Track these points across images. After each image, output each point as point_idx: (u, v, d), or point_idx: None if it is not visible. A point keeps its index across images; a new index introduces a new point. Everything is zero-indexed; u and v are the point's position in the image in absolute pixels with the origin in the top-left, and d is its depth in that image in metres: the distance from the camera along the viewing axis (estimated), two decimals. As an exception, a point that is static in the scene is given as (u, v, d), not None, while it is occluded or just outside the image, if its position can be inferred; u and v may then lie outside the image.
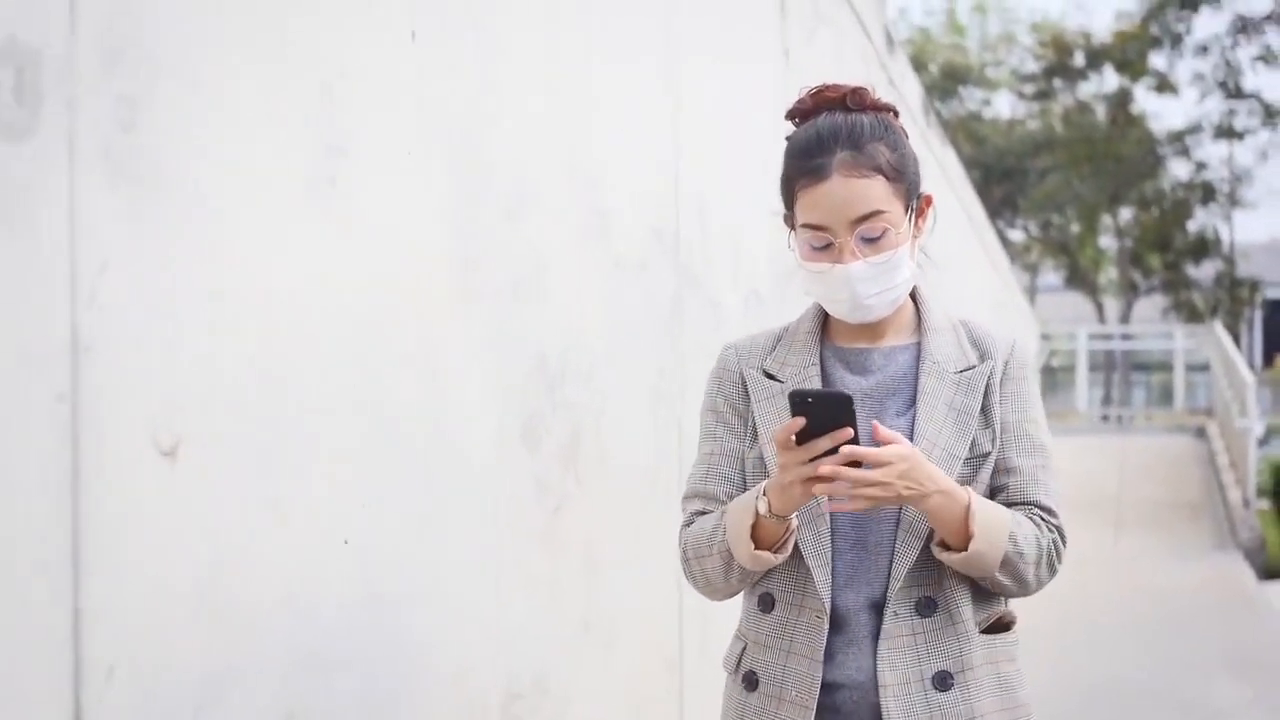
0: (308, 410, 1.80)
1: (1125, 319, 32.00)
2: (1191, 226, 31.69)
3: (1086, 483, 14.35)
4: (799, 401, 1.74)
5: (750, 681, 1.96)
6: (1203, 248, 31.33)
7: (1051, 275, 36.30)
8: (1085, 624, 8.78)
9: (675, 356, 3.19)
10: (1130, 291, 32.26)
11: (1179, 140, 31.19)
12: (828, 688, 1.90)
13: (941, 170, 8.67)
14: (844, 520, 1.90)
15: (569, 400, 2.61)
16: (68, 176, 1.38)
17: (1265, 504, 16.23)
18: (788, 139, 1.96)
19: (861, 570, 1.90)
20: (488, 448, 2.30)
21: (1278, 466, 16.74)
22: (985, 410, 1.93)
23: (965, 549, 1.82)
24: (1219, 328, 22.20)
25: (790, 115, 1.98)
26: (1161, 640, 8.54)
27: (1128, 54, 30.13)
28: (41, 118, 1.35)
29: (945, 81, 32.05)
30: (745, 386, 2.00)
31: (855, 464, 1.76)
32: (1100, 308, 33.65)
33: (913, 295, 1.99)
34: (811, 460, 1.75)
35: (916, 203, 1.94)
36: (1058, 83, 31.97)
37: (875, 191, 1.86)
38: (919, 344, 1.97)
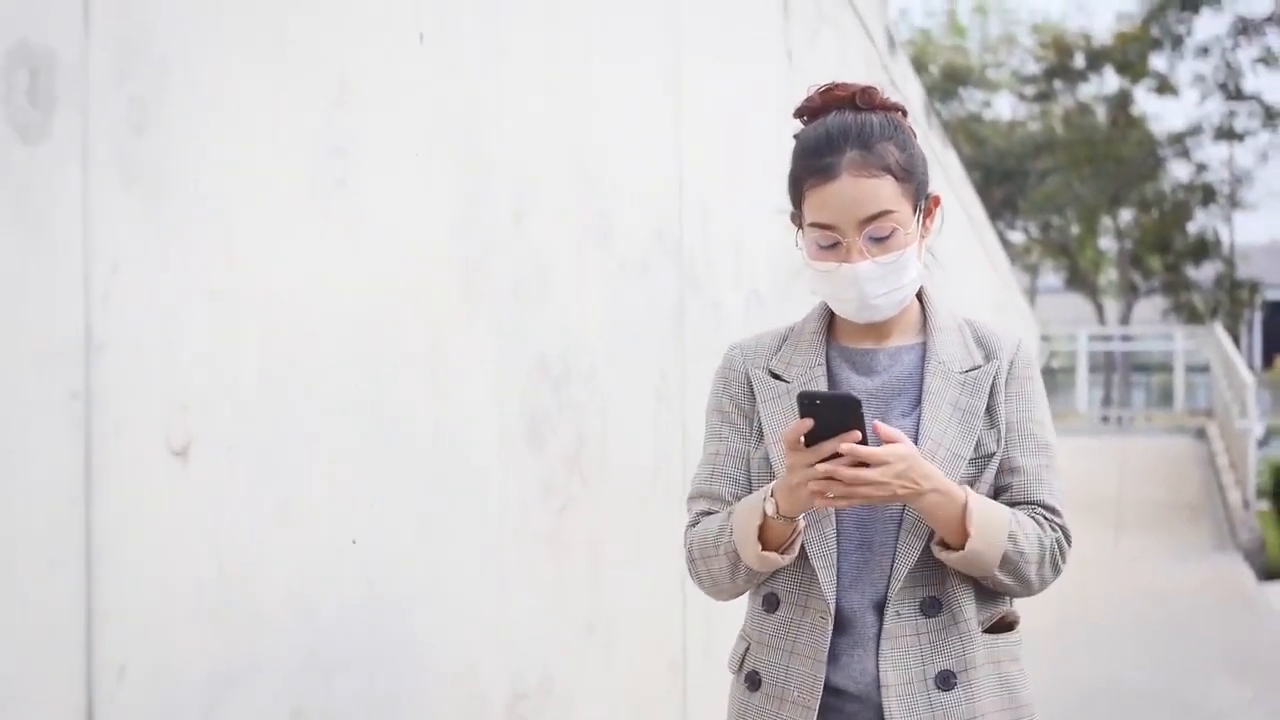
0: (314, 410, 1.81)
1: (1125, 320, 32.00)
2: (1192, 228, 31.70)
3: (1086, 484, 14.34)
4: (808, 403, 1.75)
5: (753, 681, 1.96)
6: (1203, 249, 31.33)
7: (1052, 276, 36.30)
8: (1085, 625, 8.78)
9: (677, 357, 3.20)
10: (1130, 293, 32.26)
11: (1179, 142, 31.20)
12: (832, 690, 1.89)
13: (942, 171, 8.68)
14: (849, 521, 1.90)
15: (573, 401, 2.62)
16: (80, 178, 1.39)
17: (1265, 505, 16.22)
18: (796, 137, 1.95)
19: (866, 571, 1.90)
20: (492, 448, 2.31)
21: (1277, 468, 16.74)
22: (990, 410, 1.93)
23: (963, 548, 1.83)
24: (1219, 329, 22.21)
25: (799, 113, 1.97)
26: (1161, 641, 8.54)
27: (1128, 55, 30.13)
28: (55, 120, 1.36)
29: (946, 83, 32.06)
30: (751, 387, 1.99)
31: (862, 464, 1.76)
32: (1100, 309, 33.65)
33: (918, 295, 1.99)
34: (819, 463, 1.76)
35: (925, 203, 1.94)
36: (1058, 84, 31.98)
37: (884, 191, 1.86)
38: (924, 344, 1.97)
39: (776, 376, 1.98)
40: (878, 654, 1.88)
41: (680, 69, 3.24)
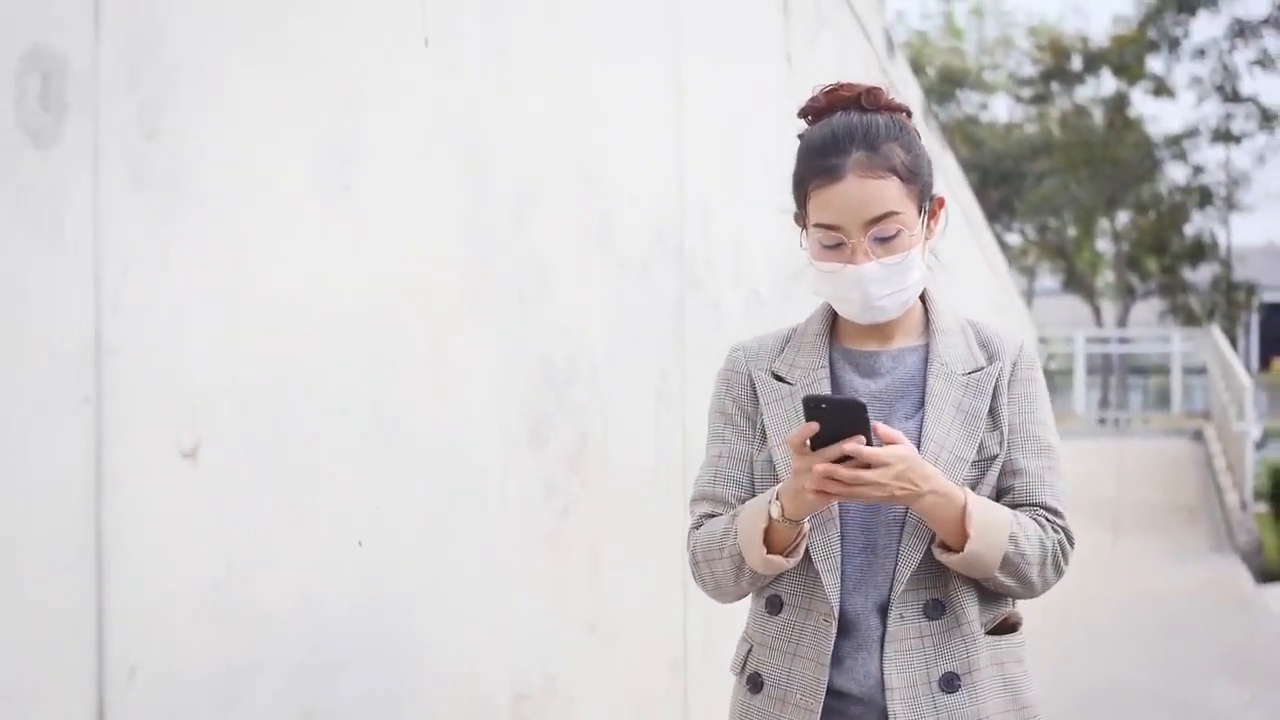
0: (320, 411, 1.82)
1: (1122, 322, 32.01)
2: (1188, 230, 31.72)
3: (1084, 486, 14.34)
4: (813, 407, 1.75)
5: (755, 683, 1.96)
6: (1200, 251, 31.35)
7: (1048, 279, 36.30)
8: (1083, 626, 8.79)
9: (677, 357, 3.21)
10: (1127, 295, 32.26)
11: (1176, 144, 31.22)
12: (835, 694, 1.89)
13: (940, 173, 8.69)
14: (853, 525, 1.90)
15: (575, 402, 2.63)
16: (92, 182, 1.40)
17: (1262, 507, 16.26)
18: (800, 137, 1.95)
19: (870, 574, 1.89)
20: (494, 449, 2.32)
21: (1275, 469, 16.77)
22: (993, 412, 1.92)
23: (963, 549, 1.82)
24: (1216, 331, 22.23)
25: (803, 113, 1.96)
26: (1160, 643, 8.56)
27: (1125, 58, 30.15)
28: (67, 124, 1.37)
29: (943, 85, 32.04)
30: (754, 388, 1.99)
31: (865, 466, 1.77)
32: (1097, 311, 33.67)
33: (921, 296, 1.98)
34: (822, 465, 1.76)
35: (929, 204, 1.93)
36: (1055, 86, 31.99)
37: (890, 192, 1.85)
38: (927, 346, 1.96)
39: (779, 378, 1.97)
40: (882, 657, 1.87)
41: (680, 70, 3.25)
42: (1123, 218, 32.26)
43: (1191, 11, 29.16)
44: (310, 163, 1.80)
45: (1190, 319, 30.36)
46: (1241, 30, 29.20)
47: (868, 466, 1.76)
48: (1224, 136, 30.66)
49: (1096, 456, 16.81)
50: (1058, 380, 25.58)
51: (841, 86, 1.93)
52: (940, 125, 12.62)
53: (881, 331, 1.96)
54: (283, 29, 1.74)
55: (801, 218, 1.94)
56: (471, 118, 2.24)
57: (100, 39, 1.41)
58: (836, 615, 1.88)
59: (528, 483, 2.44)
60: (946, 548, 1.85)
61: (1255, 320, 35.88)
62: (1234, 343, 28.92)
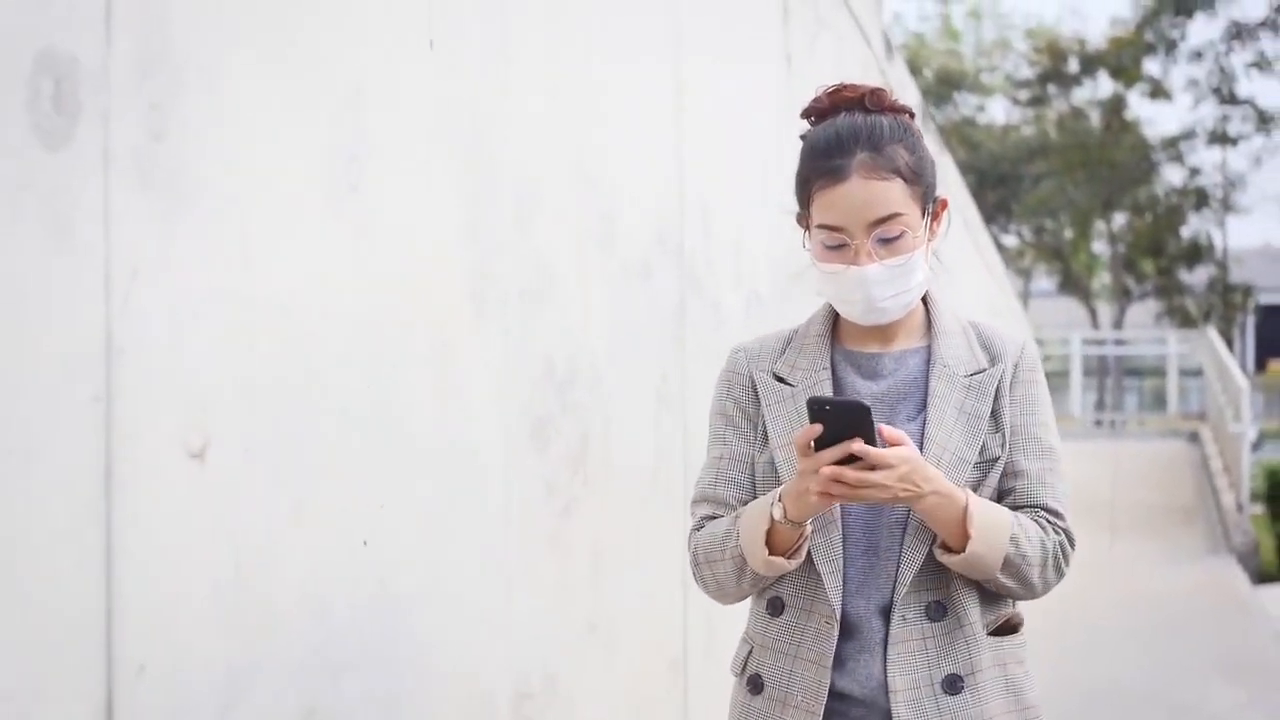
0: (326, 412, 1.83)
1: (1118, 324, 32.05)
2: (1185, 232, 31.78)
3: (1081, 488, 14.30)
4: (817, 409, 1.75)
5: (755, 685, 1.96)
6: (1196, 253, 31.41)
7: (1045, 280, 36.37)
8: (1081, 628, 8.81)
9: (678, 358, 3.21)
10: (1123, 297, 32.31)
11: (1173, 146, 31.29)
12: (837, 696, 1.89)
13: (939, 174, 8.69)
14: (855, 526, 1.90)
15: (577, 403, 2.64)
16: (102, 183, 1.41)
17: (1258, 508, 16.26)
18: (803, 138, 1.95)
19: (872, 576, 1.90)
20: (497, 450, 2.32)
21: (1271, 471, 16.77)
22: (995, 414, 1.92)
23: (964, 550, 1.83)
24: (1212, 333, 22.25)
25: (806, 114, 1.96)
26: (1156, 644, 8.58)
27: (1122, 60, 30.21)
28: (78, 126, 1.37)
29: (940, 87, 32.08)
30: (755, 390, 1.99)
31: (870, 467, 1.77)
32: (1093, 313, 33.70)
33: (923, 298, 1.98)
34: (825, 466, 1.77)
35: (932, 206, 1.94)
36: (1052, 88, 32.06)
37: (894, 194, 1.85)
38: (929, 347, 1.96)
39: (781, 380, 1.97)
40: (885, 659, 1.87)
41: (680, 70, 3.26)
42: (1119, 220, 32.32)
43: (1188, 14, 29.22)
44: (315, 164, 1.81)
45: (1186, 321, 30.42)
46: (1238, 33, 29.27)
47: (872, 468, 1.76)
48: (1220, 139, 30.72)
49: (1093, 458, 16.82)
50: (1054, 382, 25.57)
51: (845, 87, 1.93)
52: (937, 127, 12.62)
53: (883, 333, 1.96)
54: (287, 31, 1.75)
55: (804, 218, 1.94)
56: (473, 118, 2.24)
57: (111, 41, 1.42)
58: (838, 617, 1.88)
59: (529, 483, 2.45)
60: (948, 549, 1.85)
61: (1251, 322, 35.89)
62: (1230, 344, 28.93)
